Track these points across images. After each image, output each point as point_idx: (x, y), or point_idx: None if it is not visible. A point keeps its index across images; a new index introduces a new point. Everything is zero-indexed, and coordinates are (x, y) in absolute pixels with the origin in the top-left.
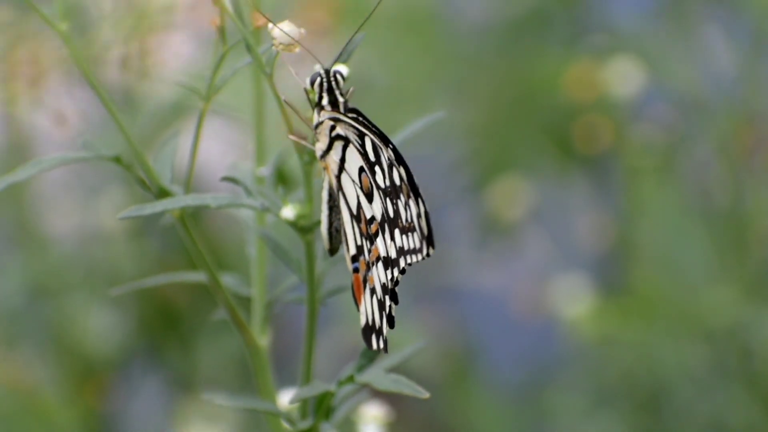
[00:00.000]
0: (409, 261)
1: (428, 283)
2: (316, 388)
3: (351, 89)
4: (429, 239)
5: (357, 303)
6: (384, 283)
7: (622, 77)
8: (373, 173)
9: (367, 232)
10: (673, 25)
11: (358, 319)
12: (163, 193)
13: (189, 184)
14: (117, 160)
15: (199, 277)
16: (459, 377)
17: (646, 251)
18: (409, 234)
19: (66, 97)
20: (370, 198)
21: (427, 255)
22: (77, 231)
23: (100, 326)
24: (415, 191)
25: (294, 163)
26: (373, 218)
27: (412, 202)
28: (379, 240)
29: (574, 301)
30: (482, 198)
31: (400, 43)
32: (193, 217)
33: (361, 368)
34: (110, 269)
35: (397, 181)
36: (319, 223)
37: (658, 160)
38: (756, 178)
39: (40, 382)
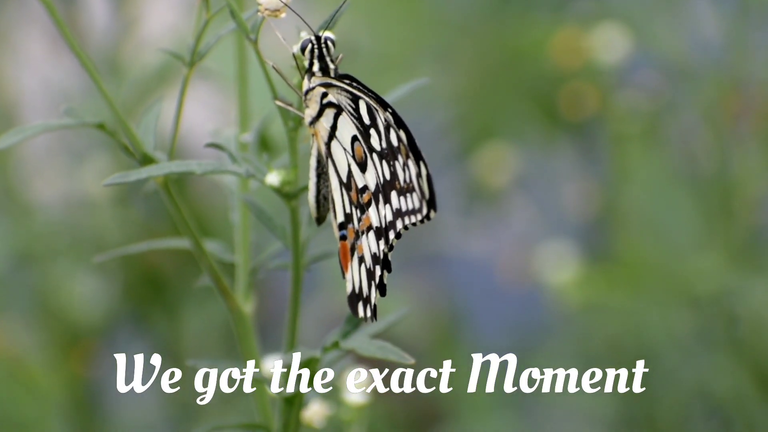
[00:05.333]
0: (407, 222)
1: (414, 249)
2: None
3: (340, 56)
4: (431, 202)
5: (343, 270)
6: (375, 253)
7: (608, 44)
8: (368, 136)
9: (358, 201)
10: None
11: (344, 285)
12: (147, 160)
13: (173, 151)
14: (101, 126)
15: (183, 243)
16: (444, 344)
17: (632, 218)
18: (408, 195)
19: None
20: (363, 167)
21: (428, 218)
22: (62, 197)
23: (86, 293)
24: (416, 154)
25: (277, 129)
26: (365, 188)
27: (411, 163)
28: (371, 210)
29: (560, 268)
30: (468, 165)
31: (387, 8)
32: (177, 183)
33: (345, 334)
34: (95, 235)
35: (395, 142)
36: (304, 189)
37: (645, 127)
38: (742, 144)
39: (25, 349)
